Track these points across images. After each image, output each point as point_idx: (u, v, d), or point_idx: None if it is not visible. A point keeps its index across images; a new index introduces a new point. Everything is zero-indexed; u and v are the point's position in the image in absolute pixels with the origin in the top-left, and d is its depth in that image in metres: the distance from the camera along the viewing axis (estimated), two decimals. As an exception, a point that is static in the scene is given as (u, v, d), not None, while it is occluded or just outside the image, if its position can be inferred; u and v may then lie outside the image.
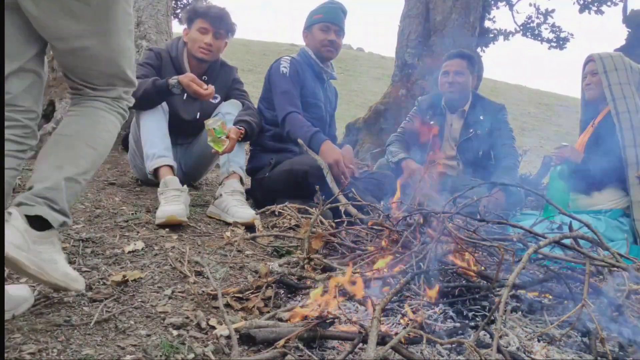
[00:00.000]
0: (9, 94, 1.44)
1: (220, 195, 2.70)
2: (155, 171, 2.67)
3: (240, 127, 2.80)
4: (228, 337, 1.44)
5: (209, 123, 2.67)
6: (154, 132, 2.73)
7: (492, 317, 1.45)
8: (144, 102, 2.75)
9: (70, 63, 1.58)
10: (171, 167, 2.69)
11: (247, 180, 3.09)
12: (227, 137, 2.67)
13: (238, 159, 2.84)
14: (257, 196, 3.11)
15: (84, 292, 1.64)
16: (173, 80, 2.75)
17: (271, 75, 3.18)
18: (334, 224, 2.54)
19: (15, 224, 1.36)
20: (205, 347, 1.42)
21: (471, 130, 3.44)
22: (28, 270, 1.36)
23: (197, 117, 3.05)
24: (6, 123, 1.44)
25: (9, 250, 1.31)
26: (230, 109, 2.97)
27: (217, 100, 3.09)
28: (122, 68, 1.61)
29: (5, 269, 1.43)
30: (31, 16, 1.44)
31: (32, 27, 1.47)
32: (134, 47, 1.67)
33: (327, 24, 3.22)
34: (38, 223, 1.40)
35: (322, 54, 3.25)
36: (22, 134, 1.49)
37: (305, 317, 1.52)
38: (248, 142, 3.22)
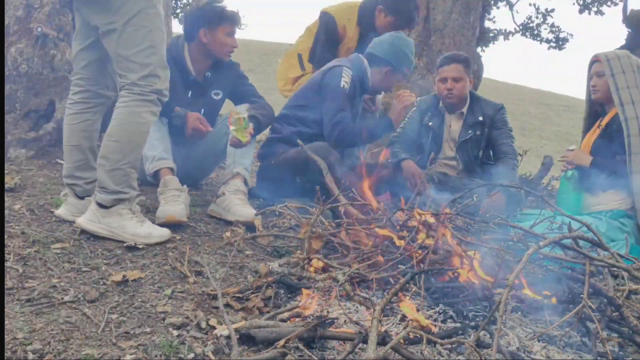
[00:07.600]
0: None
1: (223, 193, 2.69)
2: (155, 174, 2.67)
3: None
4: (228, 337, 1.44)
5: (240, 112, 2.69)
6: (152, 134, 2.70)
7: (492, 317, 1.45)
8: None
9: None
10: (171, 169, 2.68)
11: (252, 181, 3.08)
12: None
13: (244, 160, 2.82)
14: (260, 195, 3.11)
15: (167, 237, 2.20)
16: (181, 111, 2.76)
17: (328, 84, 3.14)
18: (334, 224, 2.54)
19: (91, 207, 2.09)
20: (205, 347, 1.42)
21: (470, 132, 3.45)
22: (101, 233, 2.07)
23: (202, 113, 3.04)
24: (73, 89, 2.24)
25: (83, 223, 2.06)
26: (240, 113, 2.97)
27: (219, 97, 3.08)
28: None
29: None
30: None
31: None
32: (149, 39, 2.06)
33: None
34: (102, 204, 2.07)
35: (381, 90, 3.52)
36: (86, 96, 2.22)
37: (305, 317, 1.52)
38: (258, 144, 3.23)
